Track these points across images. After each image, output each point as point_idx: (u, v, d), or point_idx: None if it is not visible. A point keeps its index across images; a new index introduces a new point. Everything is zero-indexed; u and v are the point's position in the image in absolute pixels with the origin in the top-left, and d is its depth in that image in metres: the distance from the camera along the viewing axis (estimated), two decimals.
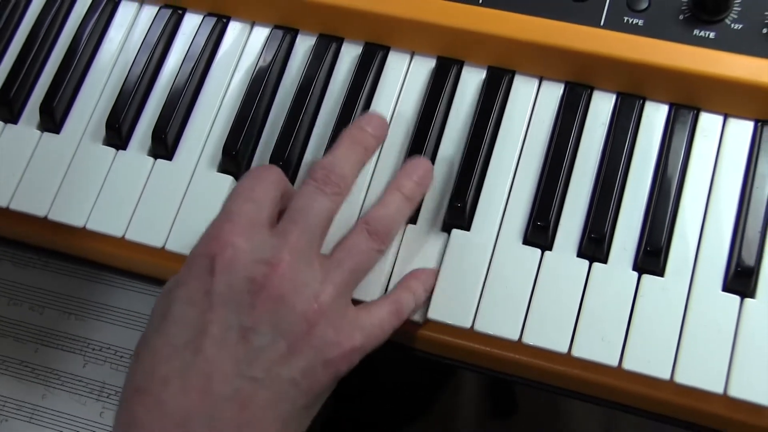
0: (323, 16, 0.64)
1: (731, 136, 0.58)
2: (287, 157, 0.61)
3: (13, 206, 0.63)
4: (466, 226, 0.58)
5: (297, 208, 0.53)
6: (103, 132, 0.64)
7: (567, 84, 0.61)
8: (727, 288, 0.54)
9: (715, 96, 0.58)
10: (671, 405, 0.55)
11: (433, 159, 0.60)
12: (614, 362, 0.53)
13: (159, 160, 0.63)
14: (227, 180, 0.62)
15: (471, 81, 0.62)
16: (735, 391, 0.51)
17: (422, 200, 0.59)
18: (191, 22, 0.67)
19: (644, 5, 0.59)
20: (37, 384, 0.67)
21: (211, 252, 0.50)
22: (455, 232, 0.57)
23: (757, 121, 0.58)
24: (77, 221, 0.62)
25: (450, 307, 0.56)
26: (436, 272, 0.57)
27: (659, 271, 0.55)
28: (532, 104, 0.61)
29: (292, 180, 0.61)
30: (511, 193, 0.58)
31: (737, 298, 0.53)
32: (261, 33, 0.66)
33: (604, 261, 0.56)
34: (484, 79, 0.62)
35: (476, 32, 0.61)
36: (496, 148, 0.60)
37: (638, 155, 0.58)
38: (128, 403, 0.49)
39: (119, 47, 0.67)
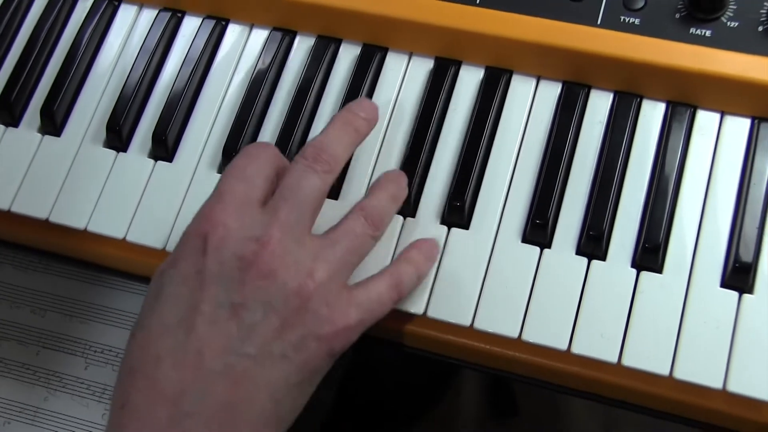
0: (321, 17, 0.64)
1: (728, 134, 0.58)
2: (286, 157, 0.61)
3: (15, 209, 0.63)
4: (465, 225, 0.58)
5: (287, 185, 0.53)
6: (103, 134, 0.64)
7: (564, 83, 0.61)
8: (725, 284, 0.54)
9: (711, 93, 0.58)
10: (671, 401, 0.55)
11: (431, 158, 0.60)
12: (614, 359, 0.53)
13: (159, 162, 0.63)
14: None
15: (469, 81, 0.62)
16: (734, 387, 0.52)
17: (421, 197, 0.59)
18: (190, 24, 0.68)
19: (640, 4, 0.60)
20: (39, 386, 0.67)
21: (202, 231, 0.51)
22: (454, 230, 0.58)
23: (753, 118, 0.58)
24: (78, 223, 0.62)
25: (449, 306, 0.56)
26: (437, 243, 0.57)
27: (658, 268, 0.55)
28: (529, 103, 0.61)
29: None
30: (510, 191, 0.59)
31: (735, 293, 0.54)
32: (260, 35, 0.67)
33: (603, 258, 0.56)
34: (482, 79, 0.62)
35: (474, 33, 0.61)
36: (494, 148, 0.60)
37: (636, 153, 0.58)
38: (122, 384, 0.50)
39: (119, 50, 0.68)
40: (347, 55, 0.65)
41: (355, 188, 0.60)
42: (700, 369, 0.52)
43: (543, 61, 0.61)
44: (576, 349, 0.54)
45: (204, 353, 0.48)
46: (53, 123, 0.65)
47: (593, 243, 0.56)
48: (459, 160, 0.59)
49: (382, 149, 0.61)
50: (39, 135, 0.66)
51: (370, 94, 0.63)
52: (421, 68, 0.63)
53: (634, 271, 0.55)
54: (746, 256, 0.54)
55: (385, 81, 0.63)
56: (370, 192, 0.58)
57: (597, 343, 0.54)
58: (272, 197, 0.53)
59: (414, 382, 0.98)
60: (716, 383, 0.52)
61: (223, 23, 0.67)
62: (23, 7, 0.70)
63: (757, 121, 0.58)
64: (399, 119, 0.62)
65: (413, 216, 0.59)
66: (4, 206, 0.63)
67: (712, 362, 0.52)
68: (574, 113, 0.60)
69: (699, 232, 0.56)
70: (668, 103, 0.59)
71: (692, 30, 0.58)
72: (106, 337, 0.68)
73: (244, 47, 0.67)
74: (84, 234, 0.62)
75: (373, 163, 0.61)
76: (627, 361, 0.53)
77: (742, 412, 0.54)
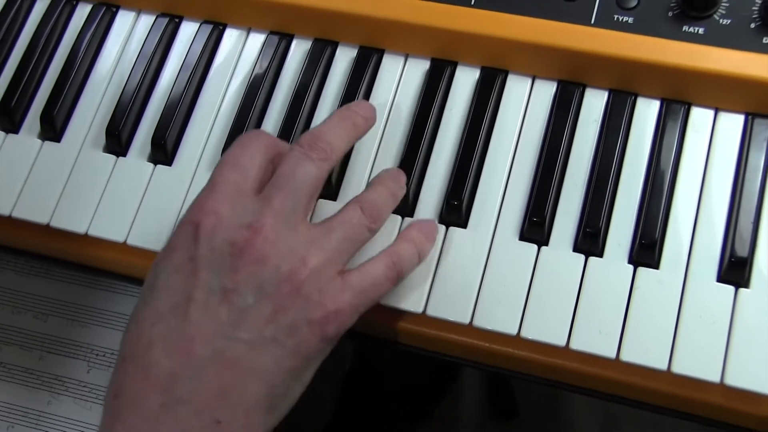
0: (318, 20, 0.65)
1: (722, 130, 0.59)
2: None
3: (16, 214, 0.63)
4: (463, 224, 0.58)
5: (282, 173, 0.53)
6: (103, 139, 0.65)
7: (559, 82, 0.61)
8: (721, 279, 0.55)
9: (705, 90, 0.59)
10: (669, 396, 0.56)
11: (428, 158, 0.61)
12: (612, 354, 0.54)
13: (159, 166, 0.64)
14: None
15: (465, 81, 0.63)
16: (732, 380, 0.52)
17: (419, 197, 0.60)
18: (188, 29, 0.68)
19: (634, 3, 0.60)
20: (42, 390, 0.68)
21: (195, 220, 0.51)
22: (452, 229, 0.58)
23: (747, 114, 0.59)
24: (79, 228, 0.62)
25: (448, 304, 0.56)
26: (436, 223, 0.57)
27: (654, 264, 0.56)
28: (525, 103, 0.61)
29: None
30: (507, 190, 0.59)
31: (732, 288, 0.54)
32: (257, 39, 0.67)
33: (600, 255, 0.56)
34: (478, 80, 0.63)
35: (469, 33, 0.61)
36: (490, 147, 0.60)
37: (631, 150, 0.59)
38: (115, 373, 0.50)
39: (117, 55, 0.68)
40: (344, 58, 0.65)
41: (353, 189, 0.60)
42: (698, 363, 0.53)
43: (538, 61, 0.61)
44: (574, 345, 0.54)
45: (196, 339, 0.48)
46: (53, 128, 0.66)
47: (590, 240, 0.56)
48: (456, 160, 0.60)
49: (380, 150, 0.62)
50: (39, 141, 0.66)
51: (367, 96, 0.63)
52: (417, 69, 0.64)
53: (630, 267, 0.56)
54: (742, 250, 0.55)
55: (382, 82, 0.64)
56: (368, 187, 0.58)
57: (595, 339, 0.54)
58: (267, 185, 0.53)
59: (415, 383, 0.98)
60: (714, 377, 0.52)
61: (221, 28, 0.68)
62: (22, 13, 0.71)
63: (750, 117, 0.58)
64: (396, 120, 0.62)
65: (411, 215, 0.59)
66: (5, 212, 0.64)
67: (710, 356, 0.53)
68: (569, 112, 0.60)
69: (695, 227, 0.56)
70: (662, 101, 0.60)
71: (685, 28, 0.59)
72: (108, 341, 0.68)
73: (241, 51, 0.67)
74: (85, 238, 0.63)
75: (370, 163, 0.61)
76: (625, 357, 0.54)
77: (739, 405, 0.55)
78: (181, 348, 0.48)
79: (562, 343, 0.55)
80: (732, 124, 0.59)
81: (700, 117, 0.59)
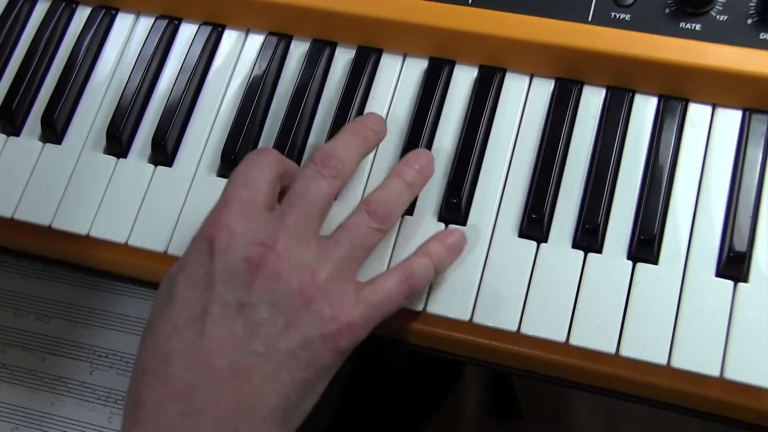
0: (316, 21, 0.65)
1: (720, 125, 0.59)
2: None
3: (18, 216, 0.64)
4: (463, 222, 0.59)
5: (296, 191, 0.54)
6: (103, 141, 0.65)
7: (557, 80, 0.62)
8: (720, 273, 0.55)
9: (703, 86, 0.59)
10: (669, 390, 0.56)
11: None
12: (612, 350, 0.54)
13: (159, 167, 0.64)
14: None
15: (463, 80, 0.63)
16: (732, 374, 0.52)
17: (418, 196, 0.60)
18: (187, 31, 0.69)
19: (630, 0, 0.60)
20: (45, 392, 0.68)
21: (209, 236, 0.52)
22: (452, 227, 0.58)
23: (744, 110, 0.59)
24: (81, 229, 0.63)
25: (449, 301, 0.57)
26: (464, 235, 0.57)
27: (653, 260, 0.56)
28: (523, 101, 0.62)
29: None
30: (506, 187, 0.59)
31: (731, 283, 0.54)
32: (256, 40, 0.68)
33: (599, 251, 0.57)
34: (476, 78, 0.63)
35: (466, 32, 0.62)
36: (489, 145, 0.61)
37: (629, 147, 0.59)
38: (134, 385, 0.51)
39: (117, 58, 0.69)
40: (342, 58, 0.66)
41: (352, 188, 0.61)
42: (698, 358, 0.53)
43: (536, 59, 0.61)
44: (574, 341, 0.55)
45: (213, 351, 0.50)
46: (54, 131, 0.66)
47: (589, 236, 0.57)
48: (455, 158, 0.60)
49: (379, 149, 0.62)
50: (40, 143, 0.66)
51: (365, 96, 0.64)
52: (415, 68, 0.64)
53: (629, 263, 0.56)
54: (740, 245, 0.55)
55: (380, 82, 0.64)
56: (385, 180, 0.58)
57: (595, 334, 0.54)
58: (281, 202, 0.54)
59: (416, 383, 0.98)
60: (713, 371, 0.53)
61: (219, 29, 0.68)
62: (22, 17, 0.71)
63: (748, 112, 0.59)
64: (395, 119, 0.63)
65: (411, 214, 0.60)
66: (7, 214, 0.64)
67: (709, 351, 0.53)
68: (567, 109, 0.60)
69: (693, 223, 0.56)
70: (660, 97, 0.60)
71: (682, 24, 0.59)
72: (111, 342, 0.68)
73: (240, 52, 0.67)
74: (86, 240, 0.63)
75: (370, 163, 0.62)
76: (625, 352, 0.54)
77: (739, 399, 0.55)
78: (199, 360, 0.49)
79: (562, 339, 0.55)
80: (730, 119, 0.59)
81: (697, 113, 0.59)
